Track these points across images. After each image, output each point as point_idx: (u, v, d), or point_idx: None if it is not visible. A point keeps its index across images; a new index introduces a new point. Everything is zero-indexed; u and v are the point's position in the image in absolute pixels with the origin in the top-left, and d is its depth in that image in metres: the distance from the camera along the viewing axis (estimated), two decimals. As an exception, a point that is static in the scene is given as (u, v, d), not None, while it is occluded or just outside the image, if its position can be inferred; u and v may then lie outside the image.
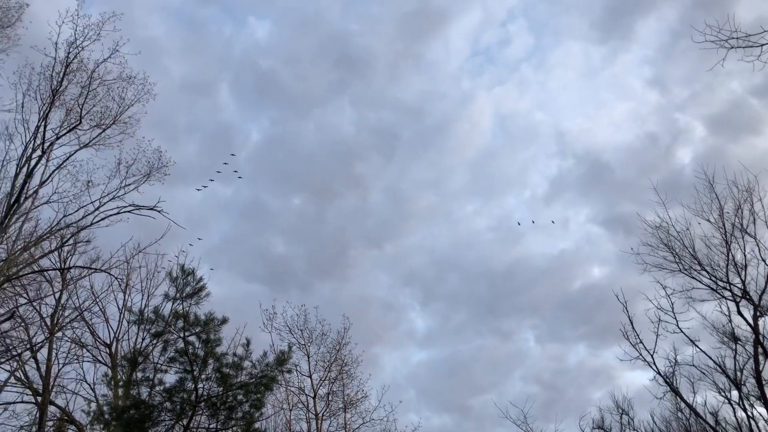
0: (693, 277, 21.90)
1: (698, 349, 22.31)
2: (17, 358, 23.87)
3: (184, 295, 18.78)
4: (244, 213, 74.75)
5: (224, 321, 18.39)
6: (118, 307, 26.49)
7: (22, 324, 23.99)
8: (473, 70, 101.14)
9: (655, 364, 22.15)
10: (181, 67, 74.59)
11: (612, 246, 65.16)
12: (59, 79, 26.76)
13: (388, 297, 64.45)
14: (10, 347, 23.48)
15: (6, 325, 23.71)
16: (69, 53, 25.75)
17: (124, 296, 26.81)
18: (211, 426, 18.26)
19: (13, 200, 24.46)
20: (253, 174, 76.65)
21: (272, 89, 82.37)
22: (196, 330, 17.86)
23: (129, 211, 23.53)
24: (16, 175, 25.36)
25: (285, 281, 57.14)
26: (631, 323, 22.57)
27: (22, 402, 24.15)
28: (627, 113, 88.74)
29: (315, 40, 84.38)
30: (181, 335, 17.92)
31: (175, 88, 66.40)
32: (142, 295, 26.89)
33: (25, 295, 24.22)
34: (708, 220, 22.04)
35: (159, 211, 22.74)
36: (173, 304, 19.41)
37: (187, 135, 71.86)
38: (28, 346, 24.06)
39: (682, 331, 21.97)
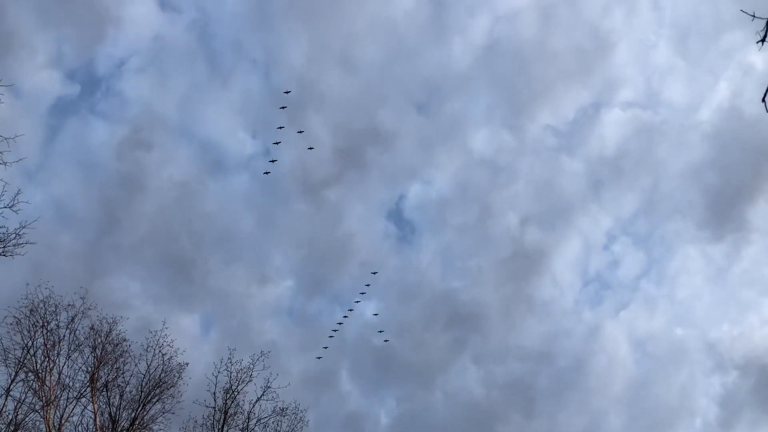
0: None
1: None
2: None
3: None
4: None
5: None
6: None
7: None
8: (591, 300, 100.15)
9: None
10: (300, 363, 77.82)
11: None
12: (220, 427, 29.02)
13: None
14: None
15: None
16: (226, 401, 28.42)
17: None
18: None
19: None
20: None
21: (391, 365, 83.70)
22: None
23: None
24: None
25: None
26: None
27: None
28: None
29: (422, 307, 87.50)
30: None
31: (297, 385, 68.75)
32: None
33: None
34: None
35: None
36: None
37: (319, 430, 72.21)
38: None
39: None
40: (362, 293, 76.06)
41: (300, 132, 74.78)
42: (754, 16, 12.14)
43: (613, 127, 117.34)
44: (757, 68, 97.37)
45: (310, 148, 78.46)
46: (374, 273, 78.31)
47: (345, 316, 75.25)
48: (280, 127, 70.41)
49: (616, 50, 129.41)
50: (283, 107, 70.20)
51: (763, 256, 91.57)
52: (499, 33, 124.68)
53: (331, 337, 72.22)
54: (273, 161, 75.16)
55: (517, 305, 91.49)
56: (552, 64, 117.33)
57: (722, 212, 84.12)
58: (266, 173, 75.49)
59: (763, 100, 12.43)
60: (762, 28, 12.30)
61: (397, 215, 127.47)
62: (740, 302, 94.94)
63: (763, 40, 12.32)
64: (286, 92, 72.34)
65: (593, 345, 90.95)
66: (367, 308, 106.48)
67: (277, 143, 72.90)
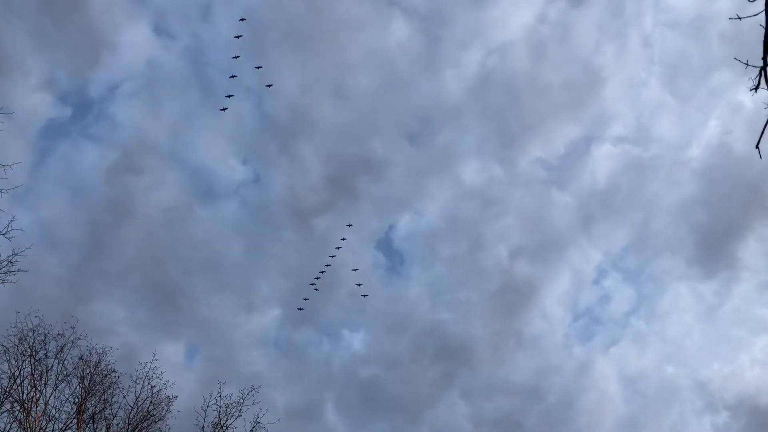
0: None
1: None
2: None
3: None
4: None
5: None
6: None
7: None
8: (581, 335, 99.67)
9: None
10: (285, 395, 76.63)
11: None
12: (208, 462, 28.53)
13: None
14: None
15: None
16: (215, 436, 27.90)
17: None
18: None
19: None
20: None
21: (377, 398, 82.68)
22: None
23: None
24: None
25: None
26: None
27: None
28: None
29: (411, 338, 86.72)
30: None
31: (283, 417, 67.83)
32: None
33: None
34: None
35: None
36: None
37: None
38: None
39: None
40: (338, 247, 75.10)
41: (258, 68, 75.14)
42: (747, 64, 12.38)
43: (603, 161, 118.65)
44: (747, 106, 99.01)
45: (269, 85, 79.09)
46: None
47: (327, 265, 74.20)
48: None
49: (606, 86, 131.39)
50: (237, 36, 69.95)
51: (754, 294, 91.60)
52: (491, 66, 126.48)
53: (313, 285, 71.31)
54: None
55: (507, 339, 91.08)
56: (543, 97, 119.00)
57: (712, 250, 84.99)
58: (223, 109, 75.18)
59: (757, 146, 12.62)
60: (755, 76, 12.55)
61: (386, 245, 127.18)
62: (731, 341, 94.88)
63: (756, 88, 12.56)
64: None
65: (583, 381, 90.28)
66: (356, 340, 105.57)
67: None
